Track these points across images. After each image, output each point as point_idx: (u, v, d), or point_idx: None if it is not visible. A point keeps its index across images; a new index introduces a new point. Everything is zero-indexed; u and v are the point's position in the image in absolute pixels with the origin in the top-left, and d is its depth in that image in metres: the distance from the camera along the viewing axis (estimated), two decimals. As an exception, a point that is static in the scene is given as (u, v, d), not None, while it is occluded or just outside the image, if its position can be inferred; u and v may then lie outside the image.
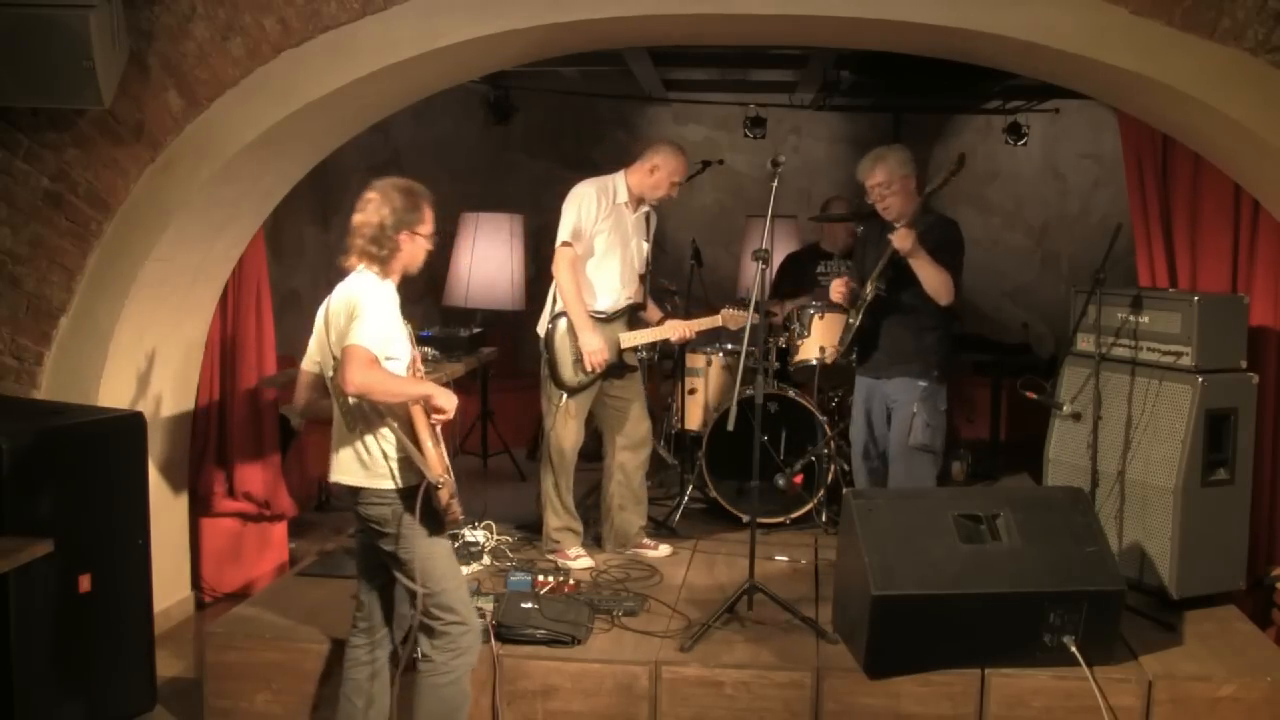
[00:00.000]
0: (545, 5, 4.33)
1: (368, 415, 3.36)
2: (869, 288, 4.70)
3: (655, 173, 4.86)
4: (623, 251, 4.89)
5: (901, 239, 4.49)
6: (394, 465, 3.36)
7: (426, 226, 3.46)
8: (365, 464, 3.38)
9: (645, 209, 4.99)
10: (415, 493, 3.31)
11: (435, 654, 3.45)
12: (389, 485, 3.37)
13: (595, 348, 4.76)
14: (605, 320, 4.87)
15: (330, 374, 3.43)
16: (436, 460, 3.26)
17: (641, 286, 5.03)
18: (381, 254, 3.38)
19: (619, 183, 4.90)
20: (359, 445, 3.39)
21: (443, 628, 3.44)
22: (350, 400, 3.35)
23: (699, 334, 5.10)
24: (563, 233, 4.78)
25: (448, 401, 3.32)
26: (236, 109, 4.44)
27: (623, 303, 4.93)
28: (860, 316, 4.76)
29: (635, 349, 5.00)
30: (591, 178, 4.91)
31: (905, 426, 4.68)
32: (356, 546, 3.66)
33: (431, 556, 3.40)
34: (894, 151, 4.76)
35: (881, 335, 4.80)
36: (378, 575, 3.56)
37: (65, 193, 4.48)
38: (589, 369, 4.80)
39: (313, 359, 3.52)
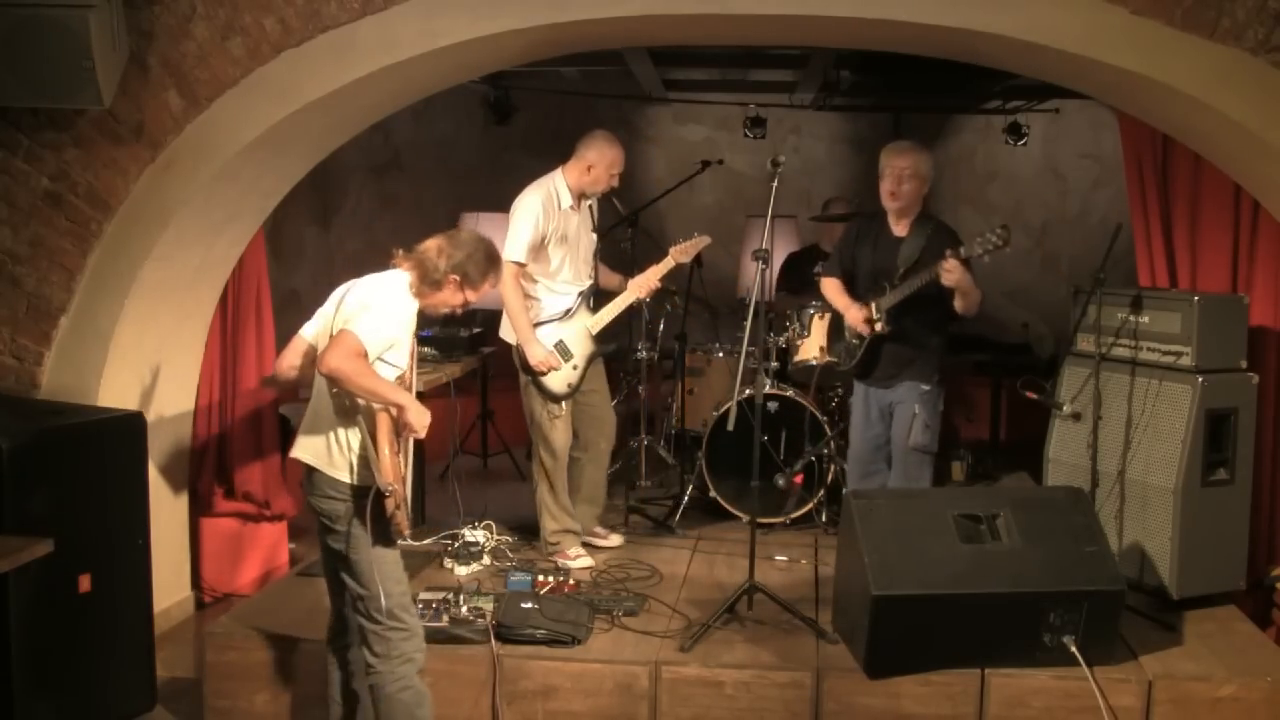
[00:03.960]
0: (545, 5, 4.33)
1: (345, 404, 3.36)
2: (878, 320, 4.68)
3: (592, 170, 4.84)
4: (573, 252, 4.91)
5: (951, 271, 4.38)
6: (354, 460, 3.37)
7: (474, 294, 3.49)
8: (330, 450, 3.38)
9: (588, 203, 5.00)
10: (364, 494, 3.30)
11: (379, 663, 3.42)
12: (345, 478, 3.37)
13: (540, 357, 4.77)
14: (569, 316, 4.88)
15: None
16: (390, 468, 3.25)
17: (594, 267, 5.04)
18: (433, 276, 3.40)
19: (560, 186, 4.86)
20: (329, 430, 3.39)
21: (383, 633, 3.40)
22: (323, 375, 3.34)
23: (663, 280, 5.07)
24: (515, 251, 4.74)
25: (418, 419, 3.30)
26: (236, 109, 4.44)
27: (577, 296, 4.94)
28: (865, 344, 4.77)
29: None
30: (533, 185, 4.87)
31: (905, 428, 4.71)
32: (320, 548, 3.61)
33: (380, 560, 3.39)
34: (926, 153, 4.80)
35: (884, 346, 4.77)
36: (337, 575, 3.54)
37: (65, 193, 4.48)
38: (542, 371, 4.79)
39: (313, 329, 3.53)
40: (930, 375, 4.70)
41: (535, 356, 4.77)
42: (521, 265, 4.78)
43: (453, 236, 3.47)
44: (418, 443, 3.49)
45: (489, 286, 3.52)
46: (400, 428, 3.32)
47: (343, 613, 3.60)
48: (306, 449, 3.43)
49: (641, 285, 4.97)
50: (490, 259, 3.49)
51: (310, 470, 3.42)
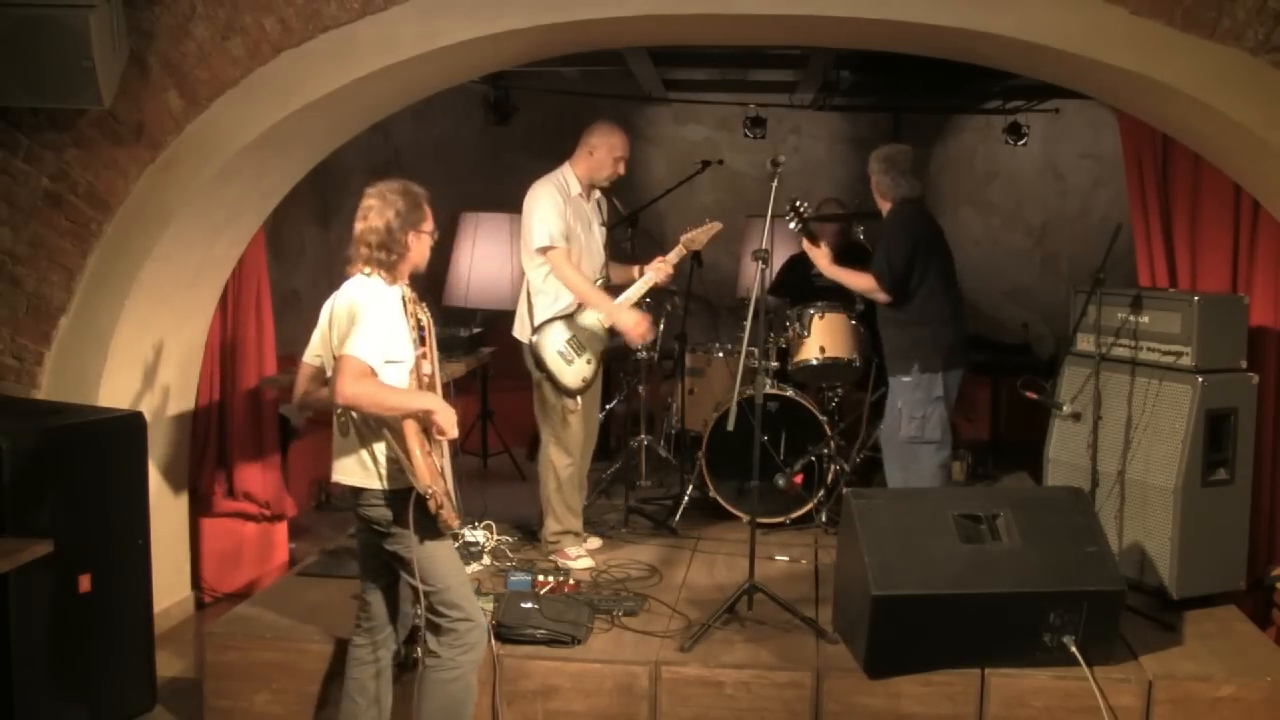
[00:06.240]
0: (545, 5, 4.33)
1: (365, 415, 3.37)
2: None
3: (595, 153, 4.85)
4: (586, 240, 4.88)
5: (812, 255, 4.92)
6: (383, 467, 3.39)
7: (429, 223, 3.50)
8: (364, 464, 3.41)
9: (596, 195, 5.00)
10: (405, 496, 3.33)
11: (442, 650, 3.47)
12: (379, 485, 3.39)
13: (633, 321, 4.78)
14: (581, 311, 4.85)
15: (330, 373, 3.43)
16: (424, 469, 3.27)
17: (604, 262, 5.01)
18: (391, 259, 3.41)
19: (568, 176, 4.89)
20: (358, 446, 3.41)
21: (449, 625, 3.46)
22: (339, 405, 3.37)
23: (676, 267, 5.07)
24: (543, 238, 4.70)
25: (446, 419, 3.31)
26: (236, 109, 4.44)
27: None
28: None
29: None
30: (543, 177, 4.87)
31: (895, 423, 4.83)
32: (358, 547, 3.67)
33: (434, 555, 3.42)
34: (878, 150, 4.98)
35: (880, 335, 4.99)
36: (381, 575, 3.58)
37: (65, 193, 4.48)
38: (642, 340, 4.87)
39: (315, 352, 3.54)
40: (907, 367, 4.80)
41: (625, 324, 4.77)
42: (558, 249, 4.69)
43: (371, 210, 3.41)
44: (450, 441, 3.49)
45: (430, 208, 3.51)
46: (428, 428, 3.33)
47: (374, 611, 3.62)
48: (343, 470, 3.46)
49: (660, 269, 4.93)
50: (405, 193, 3.45)
51: (353, 487, 3.44)
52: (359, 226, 3.43)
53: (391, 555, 3.47)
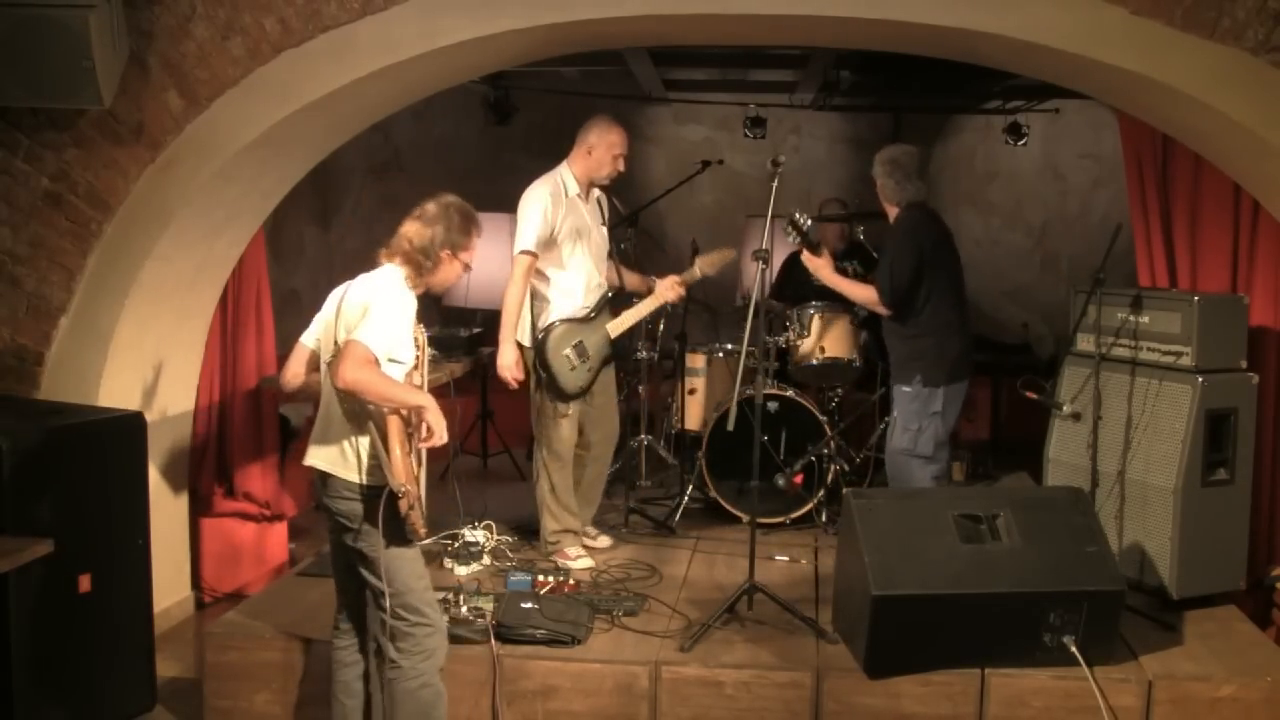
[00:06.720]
0: (545, 5, 4.33)
1: (355, 408, 3.37)
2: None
3: (594, 152, 4.79)
4: (588, 243, 4.83)
5: (812, 266, 4.87)
6: (366, 461, 3.37)
7: (468, 253, 3.54)
8: (342, 453, 3.39)
9: (597, 194, 4.95)
10: (378, 494, 3.30)
11: (401, 658, 3.43)
12: (356, 479, 3.38)
13: (506, 363, 4.69)
14: (593, 318, 4.84)
15: (328, 359, 3.44)
16: (402, 469, 3.26)
17: (612, 266, 4.98)
18: (425, 264, 3.44)
19: (566, 176, 4.82)
20: (341, 435, 3.39)
21: (407, 629, 3.42)
22: (339, 389, 3.36)
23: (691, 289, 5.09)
24: (526, 240, 4.66)
25: (437, 422, 3.30)
26: (236, 109, 4.44)
27: (597, 294, 4.89)
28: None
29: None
30: (540, 178, 4.82)
31: (891, 431, 4.83)
32: (330, 546, 3.63)
33: (399, 556, 3.40)
34: (882, 152, 4.92)
35: (885, 344, 4.95)
36: (354, 575, 3.53)
37: (65, 193, 4.48)
38: (506, 383, 4.73)
39: (314, 335, 3.54)
40: (909, 377, 4.75)
41: (503, 359, 4.69)
42: (534, 256, 4.69)
43: (422, 216, 3.48)
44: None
45: (478, 239, 3.58)
46: (416, 429, 3.32)
47: (352, 611, 3.60)
48: (319, 455, 3.44)
49: (673, 289, 4.93)
50: (465, 215, 3.52)
51: (324, 474, 3.42)
52: (409, 225, 3.48)
53: (355, 553, 3.43)
